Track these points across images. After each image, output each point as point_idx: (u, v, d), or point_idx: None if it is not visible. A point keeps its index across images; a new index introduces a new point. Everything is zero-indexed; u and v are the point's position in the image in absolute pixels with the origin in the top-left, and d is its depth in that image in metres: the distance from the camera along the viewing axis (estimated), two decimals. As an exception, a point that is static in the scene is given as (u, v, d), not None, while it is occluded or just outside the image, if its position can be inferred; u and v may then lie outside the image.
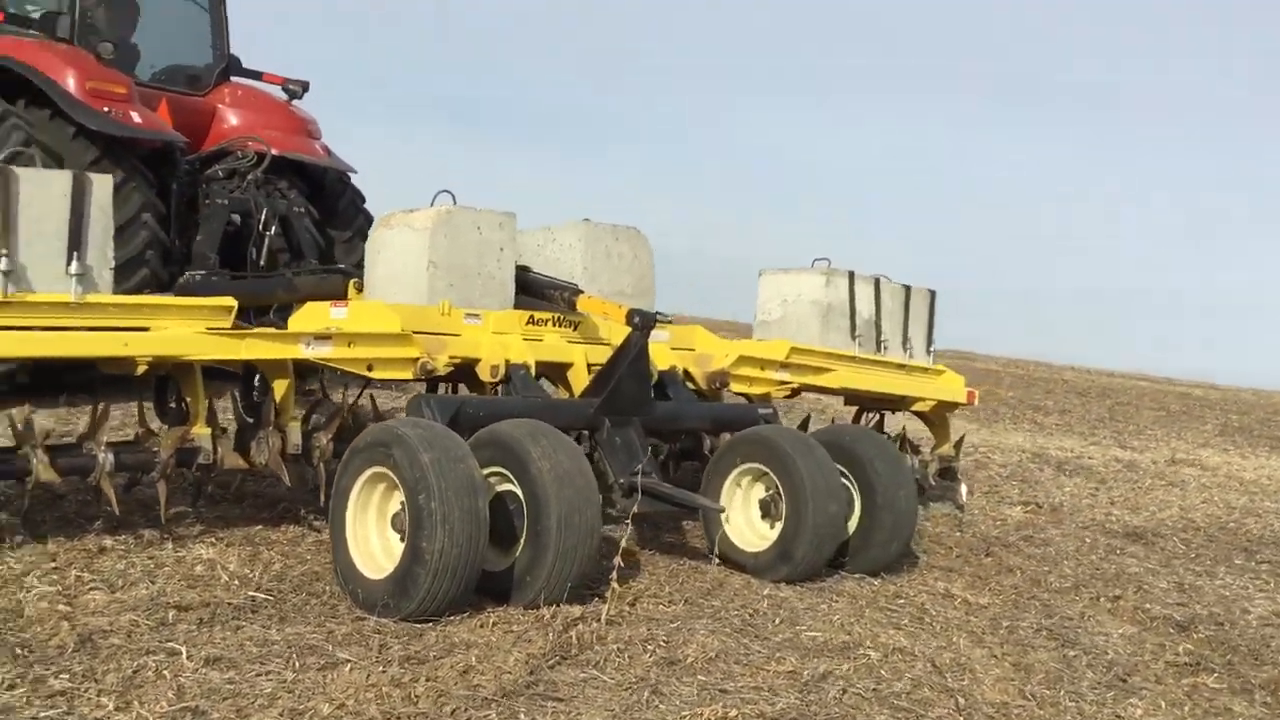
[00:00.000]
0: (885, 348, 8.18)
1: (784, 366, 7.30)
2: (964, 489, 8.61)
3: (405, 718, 3.90)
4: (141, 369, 5.23)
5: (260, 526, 5.90)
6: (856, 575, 6.37)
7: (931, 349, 8.52)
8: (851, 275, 7.99)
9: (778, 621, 5.49)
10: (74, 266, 5.05)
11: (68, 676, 3.90)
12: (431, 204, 6.27)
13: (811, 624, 5.52)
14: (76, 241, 5.09)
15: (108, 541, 5.30)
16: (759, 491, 6.25)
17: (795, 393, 7.83)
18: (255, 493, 6.44)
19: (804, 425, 8.24)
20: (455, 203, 6.28)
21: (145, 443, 5.41)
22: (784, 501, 6.01)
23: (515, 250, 6.45)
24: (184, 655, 4.17)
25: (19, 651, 4.06)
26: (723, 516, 6.19)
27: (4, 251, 4.89)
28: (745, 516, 6.30)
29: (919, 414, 8.55)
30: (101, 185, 5.26)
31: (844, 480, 6.36)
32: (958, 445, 8.65)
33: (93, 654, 4.11)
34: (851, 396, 8.52)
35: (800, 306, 7.91)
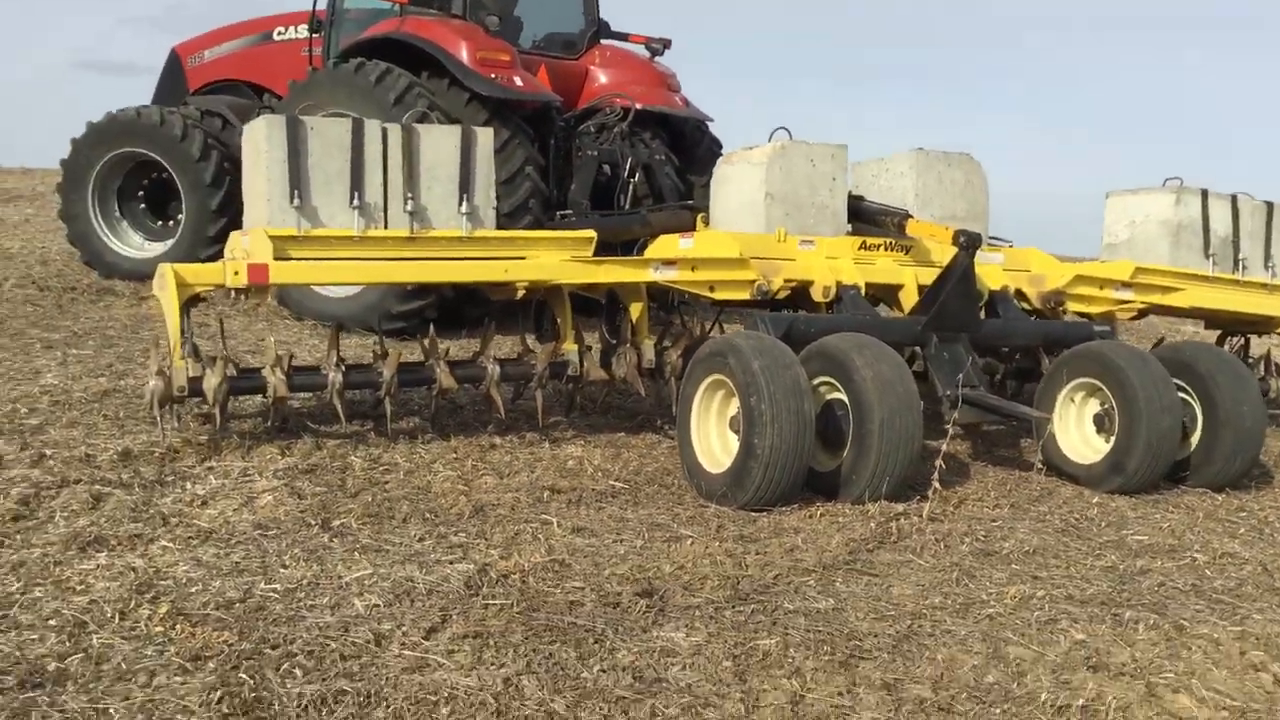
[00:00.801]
0: (1244, 268, 7.91)
1: (1126, 286, 7.28)
2: (1333, 414, 8.19)
3: (733, 579, 4.49)
4: (520, 293, 6.11)
5: (622, 433, 6.70)
6: (1199, 490, 6.36)
7: (1299, 268, 8.13)
8: (1205, 193, 7.79)
9: (1103, 525, 5.66)
10: (464, 206, 6.00)
11: (464, 535, 4.79)
12: (769, 140, 6.80)
13: (1139, 529, 5.64)
14: (466, 185, 6.02)
15: (497, 440, 6.26)
16: (1093, 406, 6.36)
17: (1142, 314, 7.75)
18: (619, 406, 7.25)
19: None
20: (790, 137, 6.78)
21: (525, 358, 6.31)
22: (1117, 415, 6.11)
23: (846, 180, 6.86)
24: (554, 524, 4.98)
25: (428, 516, 5.00)
26: (1053, 428, 6.35)
27: (410, 195, 5.89)
28: (1079, 430, 6.42)
29: (1287, 336, 8.23)
30: (485, 137, 6.18)
31: (1184, 395, 6.35)
32: (1328, 368, 8.24)
33: (483, 520, 5.00)
34: (1210, 319, 8.31)
35: (1148, 227, 7.81)
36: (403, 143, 5.95)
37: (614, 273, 6.12)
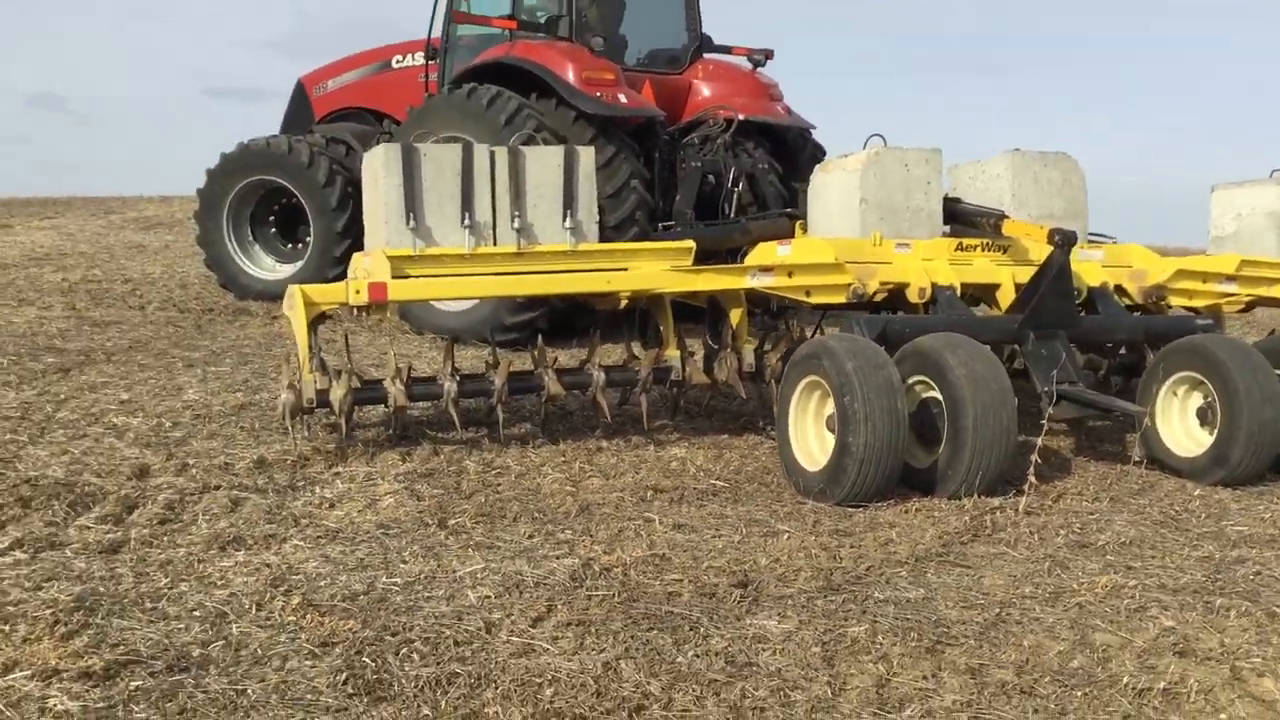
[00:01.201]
0: (1357, 257, 7.80)
1: (1230, 279, 7.25)
2: None
3: (827, 570, 4.69)
4: (624, 303, 6.40)
5: (725, 435, 6.92)
6: (1307, 483, 6.33)
7: None
8: (1314, 183, 7.70)
9: (1203, 517, 5.69)
10: (568, 221, 6.31)
11: (571, 532, 5.08)
12: (864, 147, 6.97)
13: (1240, 520, 5.65)
14: (569, 202, 6.33)
15: (604, 443, 6.55)
16: (1196, 400, 6.37)
17: (1249, 307, 7.70)
18: (722, 409, 7.48)
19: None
20: (885, 144, 6.94)
21: (630, 365, 6.59)
22: (1219, 407, 6.12)
23: (941, 183, 6.99)
24: (656, 521, 5.24)
25: (536, 515, 5.30)
26: (1157, 422, 6.38)
27: (517, 213, 6.22)
28: (1182, 423, 6.43)
29: None
30: (586, 155, 6.49)
31: (1289, 387, 6.33)
32: None
33: (589, 518, 5.28)
34: (1328, 311, 8.21)
35: (1255, 219, 7.75)
36: (509, 164, 6.28)
37: (712, 281, 6.36)
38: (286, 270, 11.38)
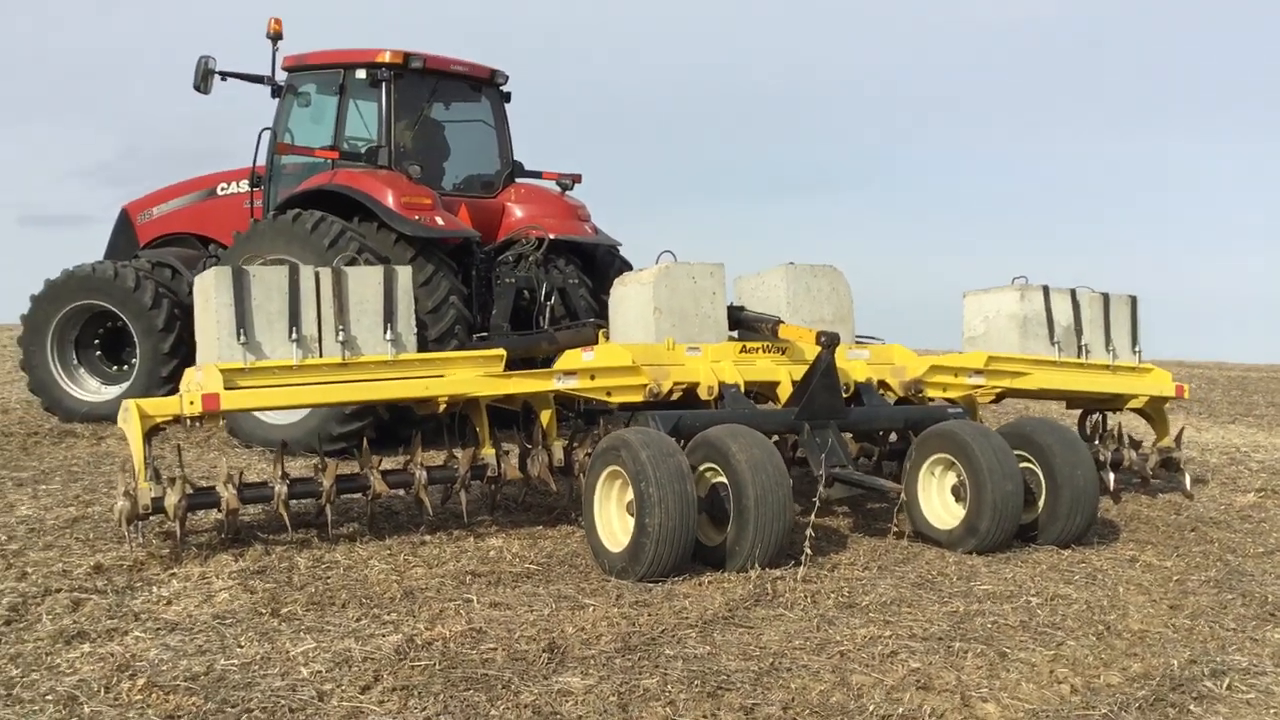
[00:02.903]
0: (1087, 352, 8.95)
1: (979, 373, 8.29)
2: (1188, 478, 9.12)
3: (626, 634, 5.32)
4: (443, 407, 7.00)
5: (539, 526, 7.53)
6: (1047, 547, 7.26)
7: (1138, 349, 9.18)
8: (1046, 289, 8.87)
9: (955, 579, 6.54)
10: (388, 334, 6.91)
11: (396, 613, 5.59)
12: (656, 262, 7.81)
13: (986, 580, 6.53)
14: (389, 316, 6.94)
15: (427, 537, 7.08)
16: (950, 479, 7.28)
17: (1000, 397, 8.76)
18: (537, 504, 8.09)
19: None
20: (675, 259, 7.79)
21: (449, 464, 7.17)
22: (968, 483, 7.03)
23: (724, 292, 7.87)
24: (475, 601, 5.79)
25: (364, 601, 5.79)
26: (919, 499, 7.27)
27: (341, 327, 6.80)
28: (940, 499, 7.33)
29: (1138, 411, 9.26)
30: (404, 274, 7.13)
31: (1028, 464, 7.31)
32: (1177, 438, 9.24)
33: (413, 600, 5.80)
34: (1067, 399, 9.35)
35: (999, 321, 8.86)
36: (333, 283, 6.87)
37: (522, 384, 7.04)
38: (113, 391, 11.55)
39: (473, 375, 6.92)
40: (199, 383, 6.46)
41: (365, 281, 6.95)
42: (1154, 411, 9.21)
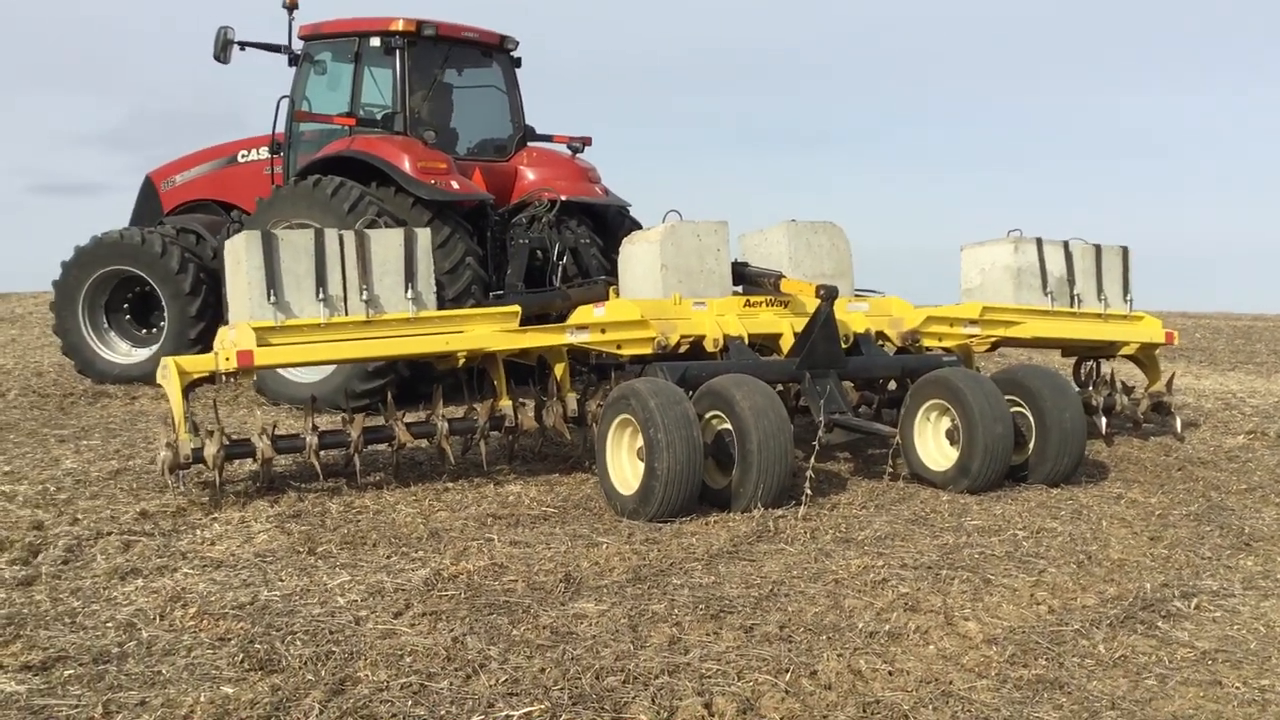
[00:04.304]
0: (1080, 301, 9.30)
1: (974, 323, 8.65)
2: (1178, 421, 9.49)
3: (637, 567, 5.74)
4: (461, 361, 7.40)
5: (555, 474, 7.95)
6: (1036, 486, 7.64)
7: (1129, 298, 9.52)
8: (1039, 241, 9.21)
9: (947, 515, 6.93)
10: (409, 293, 7.31)
11: (423, 551, 6.02)
12: (662, 221, 8.18)
13: (977, 517, 6.91)
14: (410, 276, 7.33)
15: (449, 484, 7.51)
16: (945, 423, 7.66)
17: (994, 346, 9.13)
18: (553, 454, 8.51)
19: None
20: (681, 218, 8.16)
21: (469, 415, 7.58)
22: (961, 427, 7.42)
23: (728, 249, 8.24)
24: (496, 540, 6.22)
25: (393, 541, 6.22)
26: (915, 442, 7.65)
27: (365, 287, 7.20)
28: (935, 443, 7.72)
29: (1130, 358, 9.61)
30: (424, 235, 7.51)
31: (1018, 408, 7.69)
32: (1168, 383, 9.60)
33: (438, 540, 6.23)
34: (1061, 347, 9.71)
35: (995, 273, 9.21)
36: (356, 245, 7.26)
37: (536, 338, 7.44)
38: (142, 354, 12.03)
39: (490, 330, 7.32)
40: (233, 340, 6.87)
41: (387, 243, 7.34)
42: (1145, 358, 9.56)
